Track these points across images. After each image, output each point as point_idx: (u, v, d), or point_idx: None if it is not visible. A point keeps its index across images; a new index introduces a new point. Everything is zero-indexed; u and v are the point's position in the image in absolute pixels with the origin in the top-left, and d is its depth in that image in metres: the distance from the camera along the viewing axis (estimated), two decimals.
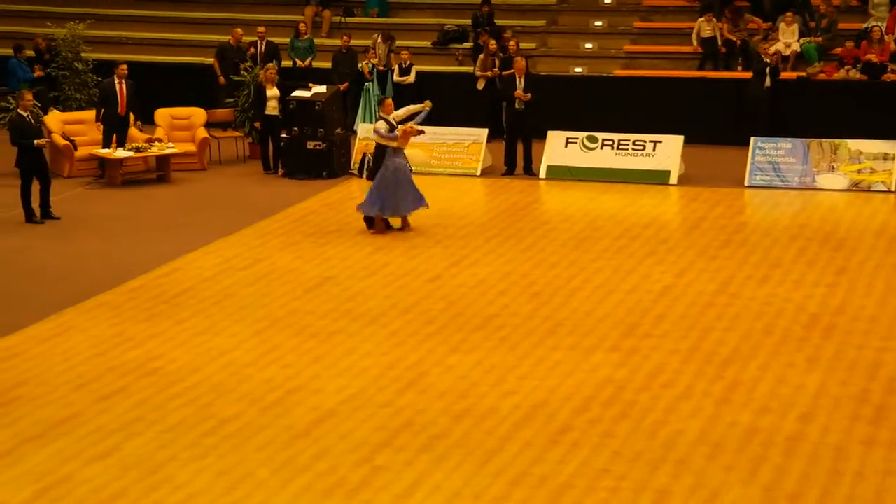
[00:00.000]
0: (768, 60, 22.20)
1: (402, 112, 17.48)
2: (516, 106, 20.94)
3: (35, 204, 18.29)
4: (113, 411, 11.60)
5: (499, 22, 25.39)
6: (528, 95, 20.80)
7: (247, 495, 9.97)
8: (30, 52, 25.14)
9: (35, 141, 18.15)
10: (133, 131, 21.36)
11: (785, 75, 23.28)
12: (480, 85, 23.42)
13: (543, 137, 21.25)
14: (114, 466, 10.46)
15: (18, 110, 18.48)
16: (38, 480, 10.23)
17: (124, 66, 21.10)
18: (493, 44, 23.50)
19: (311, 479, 10.23)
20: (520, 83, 20.95)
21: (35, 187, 18.26)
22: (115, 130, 20.93)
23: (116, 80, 20.94)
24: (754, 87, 22.27)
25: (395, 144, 17.05)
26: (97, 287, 15.20)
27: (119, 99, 20.87)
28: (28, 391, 12.10)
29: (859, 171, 20.12)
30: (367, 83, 24.06)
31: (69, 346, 13.30)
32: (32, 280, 15.67)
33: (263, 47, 24.11)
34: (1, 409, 11.69)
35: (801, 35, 24.13)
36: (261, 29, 24.54)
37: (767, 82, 22.10)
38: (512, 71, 21.56)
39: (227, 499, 9.91)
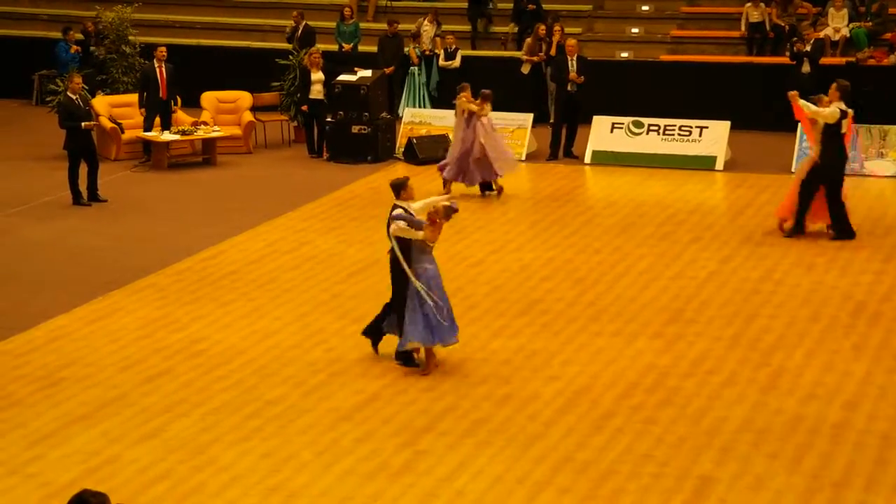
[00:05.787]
0: (796, 48, 22.01)
1: (421, 204, 12.33)
2: (569, 88, 20.90)
3: (82, 186, 18.44)
4: (158, 393, 11.69)
5: (546, 6, 25.32)
6: (582, 78, 20.76)
7: (290, 477, 10.01)
8: (78, 35, 25.32)
9: (83, 123, 18.28)
10: (179, 114, 21.49)
11: (833, 60, 23.08)
12: (526, 69, 23.36)
13: (589, 122, 21.19)
14: (159, 448, 10.54)
15: (67, 93, 18.63)
16: (85, 461, 10.32)
17: (163, 49, 21.18)
18: (542, 28, 23.44)
19: (355, 462, 10.27)
20: (572, 65, 20.90)
21: (83, 170, 18.40)
22: (157, 114, 21.06)
23: (156, 64, 21.05)
24: (795, 73, 22.07)
25: (420, 237, 11.92)
26: (143, 269, 15.31)
27: (160, 82, 20.98)
28: (75, 372, 12.21)
29: None
30: (412, 67, 24.07)
31: (116, 328, 13.40)
32: (79, 262, 15.79)
33: (301, 31, 24.15)
34: (48, 389, 11.80)
35: (851, 20, 23.90)
36: (295, 13, 24.59)
37: (806, 68, 21.91)
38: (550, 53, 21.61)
39: (270, 481, 9.96)
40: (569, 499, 9.65)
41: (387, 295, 14.40)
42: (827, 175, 15.95)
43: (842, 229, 16.14)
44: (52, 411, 11.31)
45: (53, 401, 11.54)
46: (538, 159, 21.23)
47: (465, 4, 26.32)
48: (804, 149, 20.24)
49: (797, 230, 16.31)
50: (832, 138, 15.83)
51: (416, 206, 12.16)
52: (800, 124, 17.38)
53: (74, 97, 18.41)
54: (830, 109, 15.74)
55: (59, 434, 10.84)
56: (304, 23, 24.33)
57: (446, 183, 18.53)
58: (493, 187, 18.63)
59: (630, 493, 9.70)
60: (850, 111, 15.99)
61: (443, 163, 18.64)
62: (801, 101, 15.85)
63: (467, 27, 25.96)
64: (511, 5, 25.54)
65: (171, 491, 9.82)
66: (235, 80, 23.11)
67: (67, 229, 17.28)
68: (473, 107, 18.06)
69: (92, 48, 24.38)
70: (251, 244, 16.46)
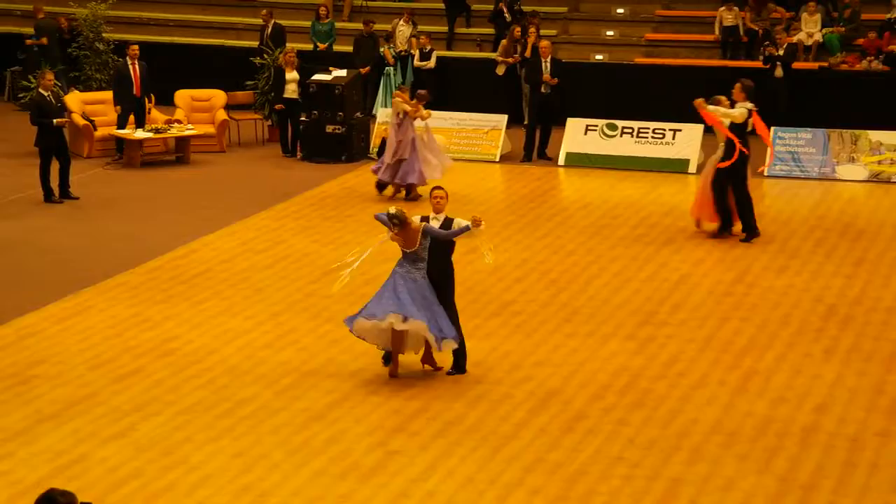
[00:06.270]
0: (767, 52, 22.16)
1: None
2: (542, 90, 20.92)
3: (54, 184, 18.34)
4: (129, 392, 11.64)
5: (523, 8, 25.35)
6: (556, 80, 20.79)
7: (261, 477, 9.99)
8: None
9: (55, 120, 18.20)
10: (154, 113, 21.42)
11: (806, 65, 23.22)
12: (500, 70, 23.38)
13: (563, 124, 21.22)
14: (129, 447, 10.50)
15: (39, 90, 18.53)
16: (54, 459, 10.27)
17: (135, 47, 21.17)
18: (517, 30, 23.47)
19: (326, 462, 10.25)
20: (546, 67, 20.94)
21: (54, 167, 18.31)
22: (131, 112, 21.00)
23: (129, 62, 20.99)
24: (769, 77, 22.19)
25: (388, 236, 11.89)
26: (115, 267, 15.24)
27: (133, 80, 20.93)
28: (45, 370, 12.14)
29: (879, 163, 20.05)
30: (387, 68, 24.06)
31: (87, 326, 13.34)
32: (50, 260, 15.71)
33: (270, 29, 24.09)
34: (18, 387, 11.74)
35: (824, 25, 24.04)
36: (264, 12, 24.52)
37: (779, 72, 22.03)
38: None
39: (241, 480, 9.93)
40: (540, 500, 9.66)
41: (358, 294, 14.40)
42: (733, 172, 16.19)
43: (749, 226, 16.36)
44: (21, 409, 11.24)
45: (23, 399, 11.47)
46: (512, 161, 21.25)
47: (441, 5, 26.33)
48: (776, 152, 20.41)
49: (724, 230, 16.47)
50: (738, 136, 16.09)
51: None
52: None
53: (46, 94, 18.32)
54: (740, 110, 16.05)
55: (29, 432, 10.78)
56: (272, 21, 24.27)
57: (407, 188, 18.47)
58: (399, 191, 18.48)
59: (601, 495, 9.71)
60: (754, 107, 16.22)
61: (376, 166, 18.55)
62: (710, 108, 16.11)
63: (444, 28, 25.97)
64: (491, 6, 25.55)
65: (141, 490, 9.78)
66: (209, 78, 23.05)
67: (38, 227, 17.19)
68: (407, 107, 18.06)
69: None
70: (224, 243, 16.42)
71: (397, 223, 11.69)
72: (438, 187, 12.08)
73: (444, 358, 12.13)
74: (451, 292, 11.98)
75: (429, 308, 11.68)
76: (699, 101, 16.16)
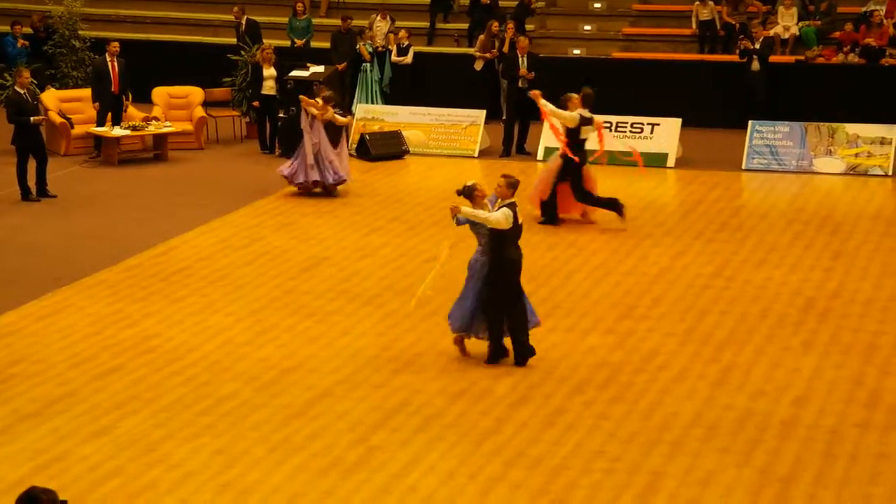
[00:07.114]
0: (742, 45, 22.24)
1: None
2: (520, 84, 20.95)
3: (31, 182, 18.26)
4: (109, 389, 11.61)
5: (501, 3, 25.37)
6: (532, 74, 20.82)
7: (242, 474, 9.98)
8: (26, 29, 25.12)
9: (32, 118, 18.12)
10: (131, 110, 21.36)
11: (783, 59, 23.29)
12: (479, 66, 23.39)
13: (540, 119, 21.20)
14: (109, 445, 10.47)
15: (15, 87, 18.44)
16: (34, 458, 10.24)
17: (115, 44, 21.09)
18: (495, 25, 23.48)
19: (307, 458, 10.25)
20: (522, 62, 20.97)
21: (31, 165, 18.23)
22: (109, 109, 20.93)
23: (108, 59, 20.93)
24: (746, 71, 22.27)
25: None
26: (94, 265, 15.19)
27: (112, 77, 20.86)
28: (24, 369, 12.10)
29: (857, 155, 20.13)
30: (364, 64, 24.03)
31: (66, 325, 13.30)
32: (29, 258, 15.65)
33: (244, 26, 24.00)
34: None
35: (801, 18, 24.13)
36: (235, 9, 24.39)
37: (756, 66, 22.11)
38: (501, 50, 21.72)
39: (222, 477, 9.92)
40: (521, 494, 9.68)
41: (337, 291, 14.40)
42: (567, 172, 16.64)
43: (612, 207, 16.78)
44: (1, 408, 11.20)
45: (3, 398, 11.43)
46: (491, 156, 21.25)
47: (417, 0, 26.29)
48: (753, 146, 20.48)
49: (551, 220, 16.85)
50: (573, 140, 16.56)
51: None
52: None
53: (23, 92, 18.24)
54: (571, 114, 16.52)
55: (9, 431, 10.74)
56: (245, 17, 24.19)
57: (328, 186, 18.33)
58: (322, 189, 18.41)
59: (582, 488, 9.74)
60: (595, 118, 16.74)
61: (304, 179, 18.11)
62: (542, 101, 16.60)
63: (424, 23, 25.94)
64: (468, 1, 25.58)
65: (123, 488, 9.76)
66: (187, 75, 22.98)
67: (16, 226, 17.12)
68: (314, 110, 17.93)
69: (44, 47, 24.19)
70: (203, 240, 16.38)
71: (459, 193, 12.33)
72: (504, 175, 12.56)
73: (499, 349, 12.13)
74: (489, 285, 12.13)
75: (461, 302, 12.24)
76: (536, 93, 16.75)
